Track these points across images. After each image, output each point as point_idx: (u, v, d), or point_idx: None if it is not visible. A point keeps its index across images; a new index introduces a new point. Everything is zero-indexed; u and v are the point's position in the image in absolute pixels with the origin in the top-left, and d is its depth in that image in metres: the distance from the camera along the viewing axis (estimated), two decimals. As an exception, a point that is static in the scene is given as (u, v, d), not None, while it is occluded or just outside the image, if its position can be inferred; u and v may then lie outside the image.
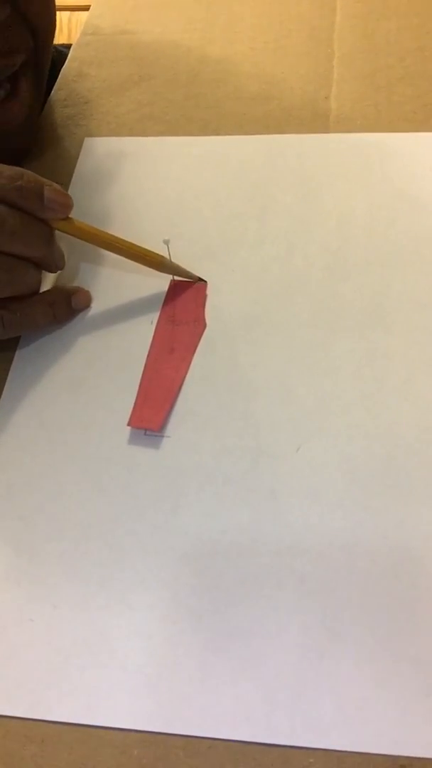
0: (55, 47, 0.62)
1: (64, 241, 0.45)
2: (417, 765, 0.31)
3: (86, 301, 0.46)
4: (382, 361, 0.41)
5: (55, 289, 0.46)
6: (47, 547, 0.38)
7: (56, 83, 0.59)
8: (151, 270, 0.46)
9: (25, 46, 0.49)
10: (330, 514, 0.37)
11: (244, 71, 0.58)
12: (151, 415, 0.40)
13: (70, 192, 0.51)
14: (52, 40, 0.54)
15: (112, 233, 0.44)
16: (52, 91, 0.59)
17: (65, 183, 0.52)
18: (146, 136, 0.55)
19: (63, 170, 0.53)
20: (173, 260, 0.45)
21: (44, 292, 0.46)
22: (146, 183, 0.52)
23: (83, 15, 0.68)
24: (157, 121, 0.56)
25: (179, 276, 0.46)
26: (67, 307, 0.46)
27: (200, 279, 0.46)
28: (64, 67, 0.61)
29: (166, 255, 0.44)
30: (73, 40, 0.64)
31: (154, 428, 0.40)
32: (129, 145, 0.54)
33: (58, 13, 0.58)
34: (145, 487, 0.39)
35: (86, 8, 0.67)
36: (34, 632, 0.35)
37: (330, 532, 0.36)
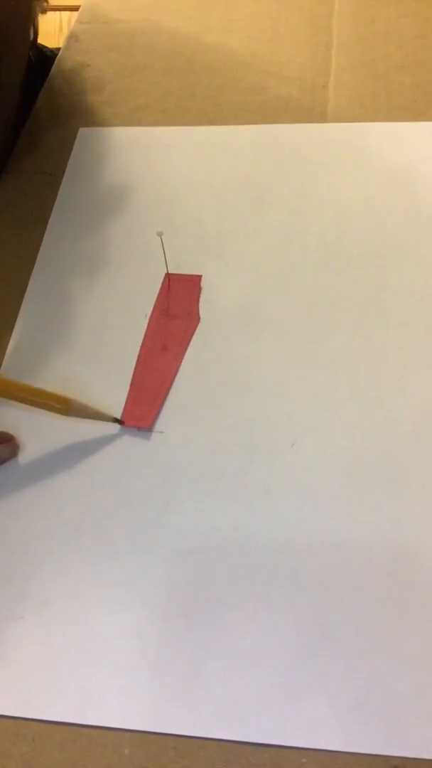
0: (51, 50, 0.61)
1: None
2: (410, 765, 0.30)
3: (9, 453, 0.40)
4: (377, 356, 0.41)
5: None
6: (38, 544, 0.37)
7: (50, 73, 0.59)
8: (145, 263, 0.46)
9: None
10: (324, 511, 0.36)
11: (240, 60, 0.57)
12: (142, 413, 0.40)
13: (64, 183, 0.51)
14: (21, 47, 0.52)
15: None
16: (46, 81, 0.58)
17: (59, 174, 0.52)
18: (142, 125, 0.54)
19: (57, 161, 0.53)
20: (168, 257, 0.44)
21: None
22: (141, 173, 0.51)
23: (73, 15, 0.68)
24: (153, 110, 0.55)
25: (93, 419, 0.40)
26: None
27: (115, 419, 0.40)
28: (58, 56, 0.60)
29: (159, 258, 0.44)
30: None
31: (144, 426, 0.40)
32: (124, 135, 0.53)
33: (57, 13, 0.57)
34: (137, 484, 0.38)
35: (74, 8, 0.66)
36: (25, 630, 0.35)
37: (324, 528, 0.36)
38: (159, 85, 0.57)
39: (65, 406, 0.38)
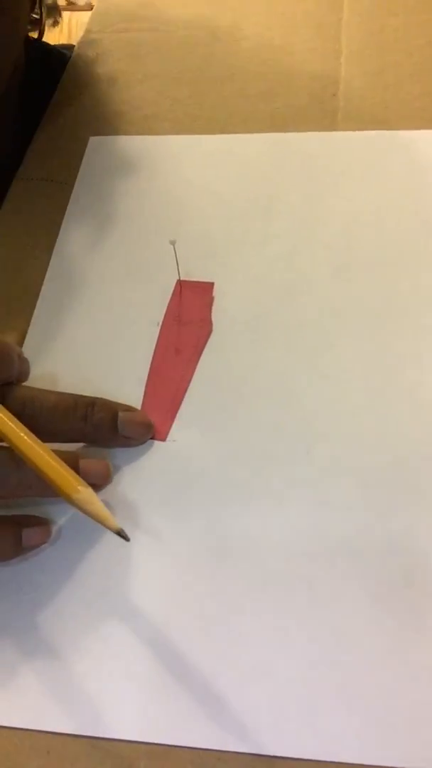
0: (56, 48, 0.61)
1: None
2: (430, 778, 0.30)
3: (41, 538, 0.37)
4: (390, 363, 0.41)
5: (1, 519, 0.36)
6: (50, 553, 0.37)
7: (60, 82, 0.59)
8: (155, 272, 0.45)
9: None
10: (339, 519, 0.36)
11: (250, 69, 0.57)
12: (157, 425, 0.40)
13: (75, 191, 0.51)
14: (13, 42, 0.52)
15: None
16: (56, 91, 0.58)
17: (70, 183, 0.51)
18: (151, 134, 0.54)
19: (67, 169, 0.53)
20: (179, 263, 0.44)
21: None
22: (151, 182, 0.51)
23: (84, 15, 0.68)
24: (162, 119, 0.55)
25: (97, 521, 0.34)
26: (14, 543, 0.36)
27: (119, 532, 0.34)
28: (68, 65, 0.60)
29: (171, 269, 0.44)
30: (74, 40, 0.63)
31: (160, 438, 0.40)
32: (134, 144, 0.53)
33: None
34: (149, 492, 0.38)
35: (88, 8, 0.67)
36: (37, 641, 0.34)
37: (339, 537, 0.36)
38: (168, 94, 0.57)
39: (70, 492, 0.33)
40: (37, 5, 0.56)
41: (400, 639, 0.33)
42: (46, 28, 0.60)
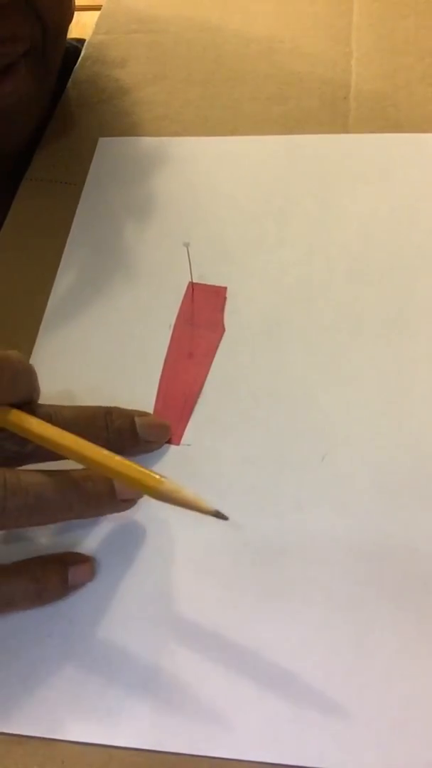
0: (69, 41, 0.61)
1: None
2: (453, 789, 0.30)
3: (87, 576, 0.35)
4: (407, 367, 0.40)
5: (47, 559, 0.35)
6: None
7: (69, 83, 0.58)
8: (167, 274, 0.45)
9: (29, 35, 0.47)
10: (357, 526, 0.36)
11: (260, 71, 0.57)
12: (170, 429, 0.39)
13: (84, 192, 0.50)
14: (65, 33, 0.52)
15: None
16: (65, 91, 0.58)
17: (80, 184, 0.51)
18: (161, 136, 0.54)
19: (76, 170, 0.52)
20: (193, 268, 0.44)
21: (29, 560, 0.35)
22: (162, 184, 0.51)
23: (90, 15, 0.68)
24: (173, 121, 0.55)
25: (186, 508, 0.32)
26: (60, 583, 0.34)
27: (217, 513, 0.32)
28: (76, 66, 0.59)
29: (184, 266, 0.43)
30: (83, 35, 0.63)
31: (174, 442, 0.39)
32: (144, 145, 0.53)
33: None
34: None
35: (95, 8, 0.66)
36: (52, 649, 0.34)
37: (358, 544, 0.35)
38: (178, 96, 0.56)
39: (154, 485, 0.32)
40: None
41: (421, 646, 0.32)
42: None
